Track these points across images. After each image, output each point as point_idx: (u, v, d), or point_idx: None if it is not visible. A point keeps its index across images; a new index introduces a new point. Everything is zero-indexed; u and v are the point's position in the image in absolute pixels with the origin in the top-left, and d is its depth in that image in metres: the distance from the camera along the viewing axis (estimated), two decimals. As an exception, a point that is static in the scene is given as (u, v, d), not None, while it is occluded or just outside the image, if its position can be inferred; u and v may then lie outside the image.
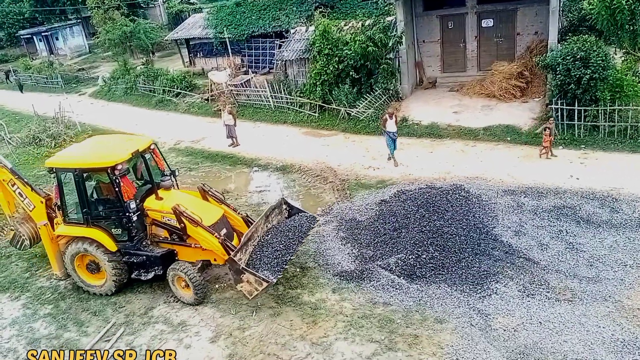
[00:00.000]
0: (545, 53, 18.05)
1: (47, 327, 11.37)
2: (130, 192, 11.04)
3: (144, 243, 11.62)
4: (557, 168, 14.74)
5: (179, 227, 10.96)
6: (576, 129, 16.27)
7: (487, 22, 21.49)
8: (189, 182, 17.72)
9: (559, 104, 16.36)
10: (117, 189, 10.80)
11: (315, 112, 21.99)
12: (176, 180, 12.39)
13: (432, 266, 11.02)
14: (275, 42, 28.59)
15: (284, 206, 12.09)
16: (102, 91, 33.53)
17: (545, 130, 15.34)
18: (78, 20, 54.00)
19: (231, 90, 25.70)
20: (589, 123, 16.16)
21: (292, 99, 23.05)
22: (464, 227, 12.08)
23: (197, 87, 28.94)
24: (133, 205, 11.06)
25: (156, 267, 11.32)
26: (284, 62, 25.20)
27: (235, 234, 11.47)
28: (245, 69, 29.80)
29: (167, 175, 12.06)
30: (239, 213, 12.07)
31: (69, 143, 24.05)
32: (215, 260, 11.01)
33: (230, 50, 30.00)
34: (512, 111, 18.83)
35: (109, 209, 11.52)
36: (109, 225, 11.50)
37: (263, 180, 17.28)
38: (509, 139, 17.10)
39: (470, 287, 10.36)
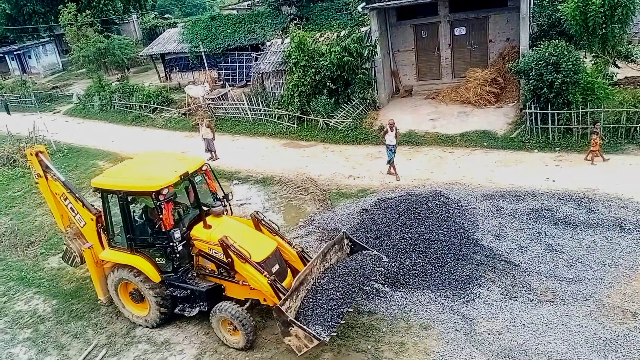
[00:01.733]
0: (518, 59, 18.43)
1: (26, 352, 11.10)
2: (168, 221, 9.87)
3: (189, 275, 10.50)
4: (533, 171, 14.98)
5: (226, 261, 9.84)
6: (550, 132, 16.58)
7: (460, 30, 21.85)
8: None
9: (533, 108, 16.67)
10: (161, 216, 9.81)
11: (293, 124, 22.03)
12: (230, 205, 11.43)
13: (415, 273, 11.07)
14: (252, 54, 28.63)
15: (345, 241, 10.68)
16: (77, 109, 33.11)
17: (593, 134, 14.84)
18: (51, 38, 53.35)
19: (208, 104, 25.62)
20: (562, 126, 16.48)
21: (270, 111, 23.07)
22: (445, 233, 12.19)
23: (174, 102, 28.75)
24: (178, 234, 9.93)
25: (201, 303, 10.26)
26: (260, 75, 25.24)
27: (289, 270, 10.27)
28: (222, 82, 29.75)
29: (219, 199, 11.03)
30: (294, 247, 10.68)
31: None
32: (265, 300, 9.78)
33: (206, 64, 29.94)
34: (487, 117, 19.12)
35: (154, 236, 10.55)
36: (153, 254, 10.56)
37: (244, 193, 17.19)
38: (485, 144, 17.34)
39: (454, 292, 10.43)
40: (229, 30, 30.75)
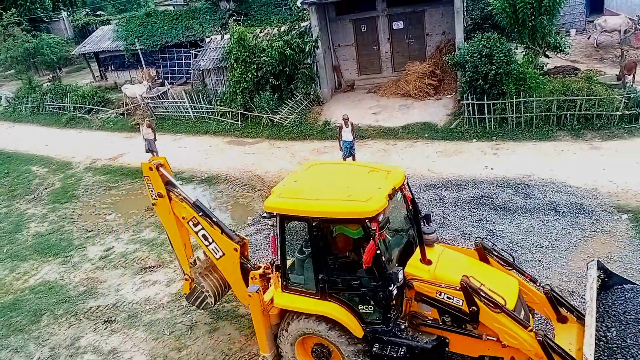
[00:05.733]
0: (454, 52, 18.95)
1: (-38, 372, 10.52)
2: (367, 257, 6.96)
3: (401, 326, 7.68)
4: (473, 160, 15.49)
5: (467, 310, 7.16)
6: (487, 122, 17.18)
7: (398, 24, 22.22)
8: (108, 202, 17.02)
9: (470, 99, 17.21)
10: (378, 250, 7.07)
11: (237, 121, 21.78)
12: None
13: (364, 265, 11.15)
14: (191, 51, 28.08)
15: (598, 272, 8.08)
16: (6, 112, 31.48)
17: None
18: (-27, 38, 50.30)
19: (147, 103, 24.92)
20: (498, 116, 17.10)
21: (213, 109, 22.71)
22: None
23: (110, 102, 27.79)
24: (401, 275, 7.24)
25: None
26: (201, 72, 24.79)
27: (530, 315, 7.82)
28: (161, 80, 29.02)
29: (425, 223, 8.23)
30: (540, 284, 7.85)
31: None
32: (513, 359, 7.24)
33: (143, 62, 29.10)
34: (427, 109, 19.58)
35: (358, 277, 7.60)
36: (353, 300, 7.78)
37: (189, 194, 16.78)
38: (426, 135, 17.76)
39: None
40: (165, 27, 29.98)
